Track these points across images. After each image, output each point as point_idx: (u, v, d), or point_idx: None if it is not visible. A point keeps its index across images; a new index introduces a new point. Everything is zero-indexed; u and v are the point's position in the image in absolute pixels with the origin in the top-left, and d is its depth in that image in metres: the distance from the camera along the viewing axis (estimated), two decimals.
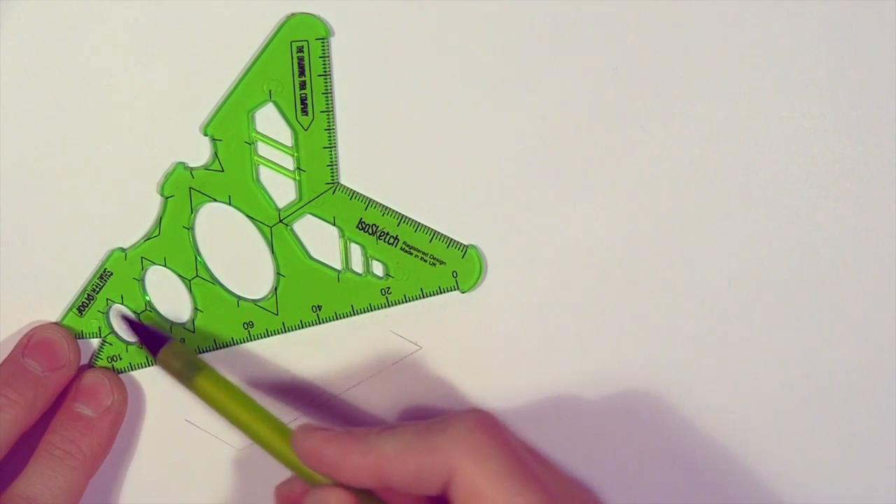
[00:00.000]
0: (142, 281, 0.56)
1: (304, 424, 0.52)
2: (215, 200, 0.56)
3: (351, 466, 0.51)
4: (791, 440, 0.59)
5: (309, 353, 0.58)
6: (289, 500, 0.54)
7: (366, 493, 0.52)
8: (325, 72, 0.55)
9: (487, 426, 0.50)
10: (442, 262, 0.57)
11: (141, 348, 0.57)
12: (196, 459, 0.58)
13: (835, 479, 0.59)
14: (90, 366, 0.57)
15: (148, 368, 0.57)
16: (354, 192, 0.56)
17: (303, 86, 0.55)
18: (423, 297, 0.57)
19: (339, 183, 0.56)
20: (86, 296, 0.56)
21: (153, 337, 0.55)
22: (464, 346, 0.58)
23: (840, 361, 0.58)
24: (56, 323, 0.57)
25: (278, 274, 0.56)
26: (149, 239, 0.56)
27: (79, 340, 0.56)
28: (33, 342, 0.56)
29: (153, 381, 0.58)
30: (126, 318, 0.56)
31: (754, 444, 0.59)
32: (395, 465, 0.50)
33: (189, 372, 0.54)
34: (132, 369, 0.57)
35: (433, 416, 0.58)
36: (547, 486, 0.50)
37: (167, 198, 0.56)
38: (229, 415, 0.53)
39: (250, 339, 0.57)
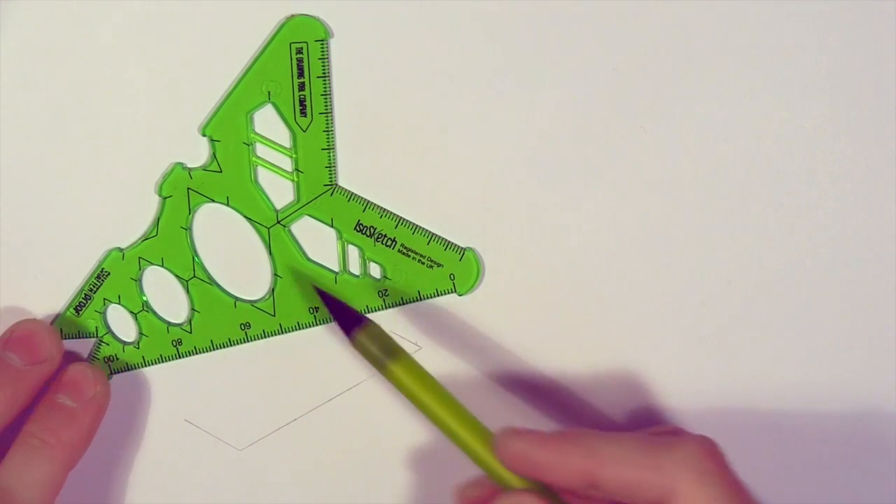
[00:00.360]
0: (139, 281, 0.56)
1: (506, 428, 0.52)
2: (213, 201, 0.56)
3: (567, 467, 0.50)
4: (791, 440, 0.59)
5: (308, 353, 0.58)
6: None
7: (555, 497, 0.52)
8: (324, 73, 0.55)
9: (714, 454, 0.50)
10: (439, 265, 0.57)
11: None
12: (196, 459, 0.58)
13: (835, 478, 0.59)
14: (81, 359, 0.57)
15: (146, 368, 0.57)
16: (352, 193, 0.56)
17: (302, 87, 0.55)
18: (421, 299, 0.57)
19: (337, 185, 0.56)
20: (83, 295, 0.56)
21: (347, 316, 0.54)
22: (463, 347, 0.58)
23: (840, 362, 0.58)
24: (38, 319, 0.56)
25: (276, 275, 0.57)
26: (146, 239, 0.56)
27: (76, 340, 0.56)
28: (15, 336, 0.55)
29: (153, 381, 0.58)
30: (319, 292, 0.55)
31: (754, 443, 0.59)
32: (613, 470, 0.50)
33: (385, 357, 0.53)
34: (128, 369, 0.57)
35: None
36: None
37: (165, 198, 0.56)
38: (424, 408, 0.52)
39: (247, 339, 0.57)
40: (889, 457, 0.59)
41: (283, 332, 0.57)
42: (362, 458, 0.59)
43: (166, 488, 0.59)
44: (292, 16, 0.55)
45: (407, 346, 0.57)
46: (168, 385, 0.57)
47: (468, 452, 0.52)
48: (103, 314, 0.57)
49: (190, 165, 0.56)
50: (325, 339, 0.57)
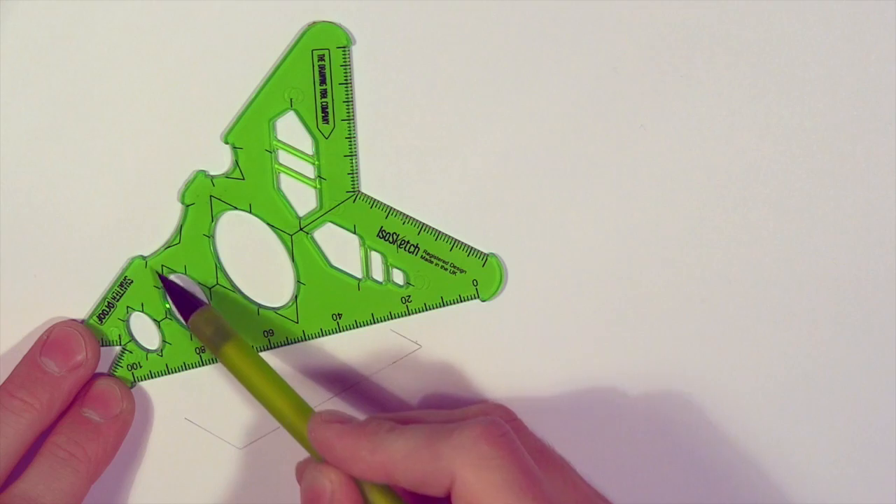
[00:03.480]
0: (162, 289, 0.56)
1: (322, 412, 0.52)
2: (236, 208, 0.56)
3: (360, 464, 0.50)
4: (792, 439, 0.59)
5: (308, 351, 0.58)
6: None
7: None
8: (345, 80, 0.55)
9: (493, 435, 0.49)
10: (462, 271, 0.57)
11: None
12: (196, 458, 0.58)
13: (835, 478, 0.59)
14: (108, 374, 0.57)
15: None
16: (375, 200, 0.56)
17: (324, 94, 0.55)
18: (444, 305, 0.57)
19: (359, 191, 0.56)
20: (106, 303, 0.56)
21: (186, 300, 0.55)
22: (463, 345, 0.58)
23: (841, 361, 0.58)
24: (75, 320, 0.56)
25: (298, 282, 0.56)
26: (169, 247, 0.56)
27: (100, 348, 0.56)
28: (51, 339, 0.55)
29: (154, 380, 0.57)
30: (161, 277, 0.56)
31: (754, 442, 0.59)
32: (401, 466, 0.50)
33: (218, 339, 0.54)
34: (152, 377, 0.57)
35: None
36: (550, 497, 0.49)
37: (188, 206, 0.56)
38: (252, 387, 0.54)
39: (270, 346, 0.57)
40: (889, 457, 0.59)
41: (306, 339, 0.57)
42: None
43: (166, 486, 0.59)
44: (314, 23, 0.55)
45: (407, 345, 0.58)
46: (168, 383, 0.57)
47: (294, 434, 0.53)
48: (126, 322, 0.56)
49: (212, 173, 0.56)
50: (325, 338, 0.57)
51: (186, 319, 0.55)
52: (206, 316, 0.55)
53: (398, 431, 0.51)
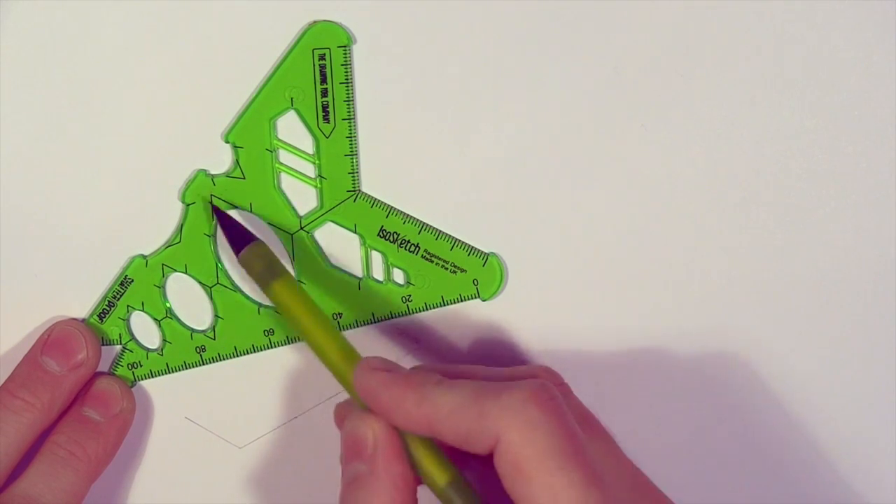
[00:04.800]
0: (162, 288, 0.56)
1: (370, 358, 0.52)
2: (236, 208, 0.56)
3: (404, 415, 0.50)
4: (792, 438, 0.59)
5: (309, 351, 0.56)
6: (343, 420, 0.53)
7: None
8: (346, 79, 0.55)
9: (542, 398, 0.49)
10: (463, 270, 0.57)
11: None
12: (196, 457, 0.58)
13: (835, 477, 0.59)
14: (109, 373, 0.57)
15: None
16: (375, 199, 0.56)
17: (324, 93, 0.55)
18: (444, 304, 0.57)
19: (360, 190, 0.56)
20: (106, 302, 0.56)
21: (239, 234, 0.55)
22: (463, 345, 0.58)
23: (841, 360, 0.58)
24: (76, 319, 0.56)
25: (299, 281, 0.56)
26: (170, 246, 0.56)
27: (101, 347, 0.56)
28: (52, 339, 0.55)
29: (154, 379, 0.58)
30: (214, 208, 0.56)
31: (756, 441, 0.59)
32: (446, 421, 0.49)
33: (268, 276, 0.53)
34: (152, 376, 0.57)
35: None
36: (593, 465, 0.48)
37: (188, 205, 0.56)
38: (299, 327, 0.53)
39: (271, 346, 0.57)
40: (889, 456, 0.59)
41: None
42: None
43: (167, 486, 0.59)
44: (315, 22, 0.55)
45: (406, 345, 0.58)
46: (169, 382, 0.57)
47: (338, 378, 0.52)
48: (127, 321, 0.57)
49: (213, 172, 0.56)
50: None
51: (237, 253, 0.54)
52: (258, 251, 0.54)
53: (446, 385, 0.50)
